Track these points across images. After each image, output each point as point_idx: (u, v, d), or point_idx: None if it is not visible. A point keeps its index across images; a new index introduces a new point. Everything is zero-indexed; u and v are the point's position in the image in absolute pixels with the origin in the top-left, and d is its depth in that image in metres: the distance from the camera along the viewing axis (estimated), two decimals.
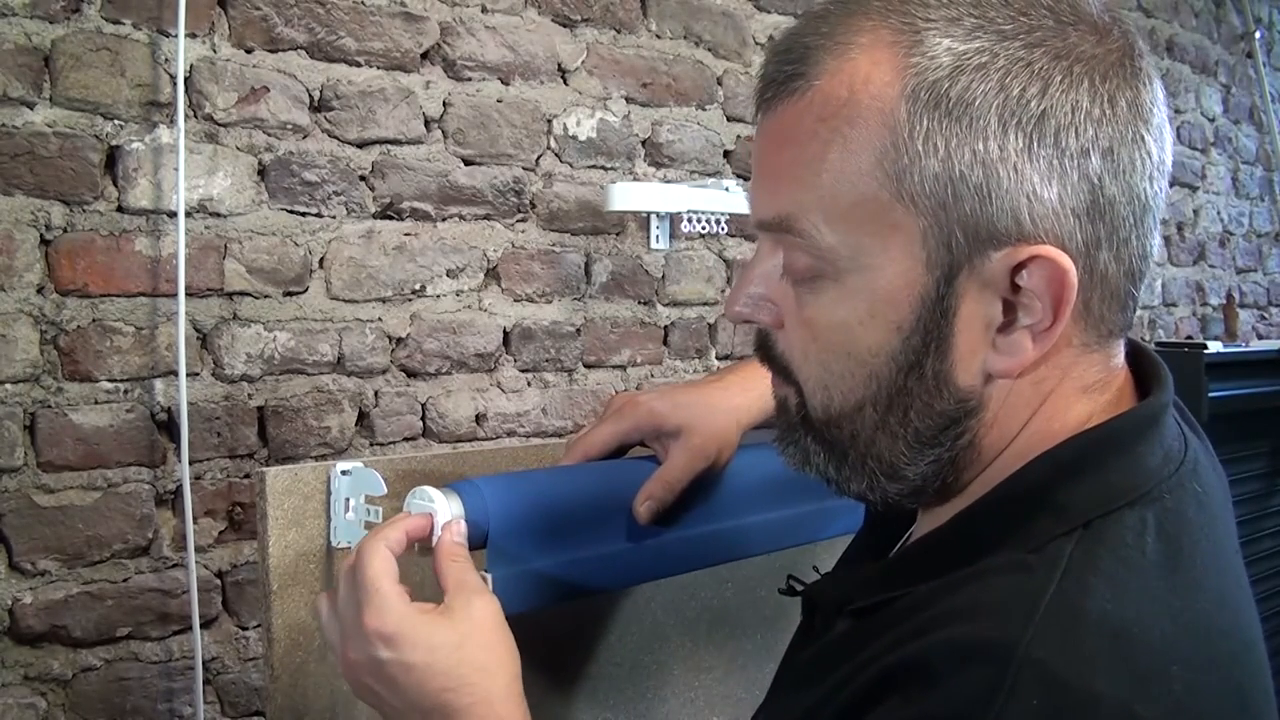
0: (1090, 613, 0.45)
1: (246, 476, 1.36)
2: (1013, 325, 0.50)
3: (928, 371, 0.51)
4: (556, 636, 0.85)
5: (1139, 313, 2.67)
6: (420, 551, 0.66)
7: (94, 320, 1.26)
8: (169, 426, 1.31)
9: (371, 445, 1.47)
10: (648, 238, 1.76)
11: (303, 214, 1.41)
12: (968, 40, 0.48)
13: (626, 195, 1.63)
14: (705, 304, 1.85)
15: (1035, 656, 0.43)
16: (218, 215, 1.34)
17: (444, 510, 0.66)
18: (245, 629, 1.37)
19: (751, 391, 0.79)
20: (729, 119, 1.88)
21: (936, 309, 0.50)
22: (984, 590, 0.48)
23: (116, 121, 1.27)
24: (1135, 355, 0.57)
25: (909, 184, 0.49)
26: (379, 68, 1.47)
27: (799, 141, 0.51)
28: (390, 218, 1.49)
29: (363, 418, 1.47)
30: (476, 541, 0.68)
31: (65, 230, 1.24)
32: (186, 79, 1.31)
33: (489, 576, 0.67)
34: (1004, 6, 0.49)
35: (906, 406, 0.52)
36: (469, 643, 0.60)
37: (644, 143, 1.76)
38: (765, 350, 0.58)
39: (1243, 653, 0.49)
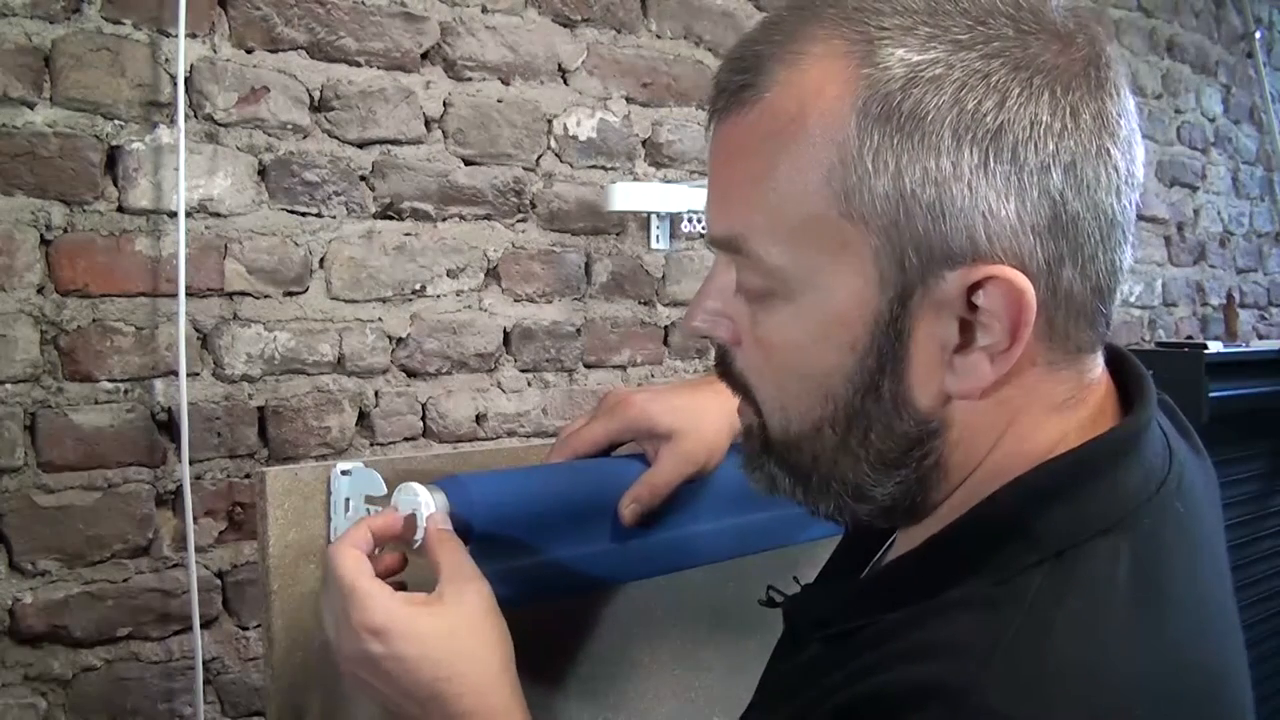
0: (1051, 654, 0.44)
1: (247, 476, 1.36)
2: (970, 346, 0.48)
3: (885, 393, 0.50)
4: (557, 636, 0.85)
5: (1139, 313, 2.67)
6: (403, 547, 0.66)
7: (94, 320, 1.26)
8: (169, 426, 1.31)
9: (372, 445, 1.47)
10: (648, 238, 1.76)
11: (303, 214, 1.41)
12: (922, 51, 0.46)
13: (627, 195, 1.63)
14: None
15: (990, 702, 0.42)
16: (218, 215, 1.34)
17: (427, 505, 0.66)
18: (245, 629, 1.37)
19: None
20: None
21: (890, 330, 0.49)
22: (946, 626, 0.47)
23: (117, 121, 1.27)
24: (1118, 363, 0.56)
25: (858, 202, 0.47)
26: (379, 68, 1.47)
27: (746, 157, 0.50)
28: (390, 218, 1.49)
29: (363, 418, 1.47)
30: (461, 539, 0.68)
31: (65, 230, 1.24)
32: (187, 79, 1.31)
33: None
34: (961, 15, 0.47)
35: (866, 428, 0.51)
36: (460, 631, 0.60)
37: (644, 143, 1.76)
38: (724, 367, 0.57)
39: (1217, 687, 0.48)
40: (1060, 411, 0.51)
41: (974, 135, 0.46)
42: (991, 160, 0.46)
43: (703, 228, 1.77)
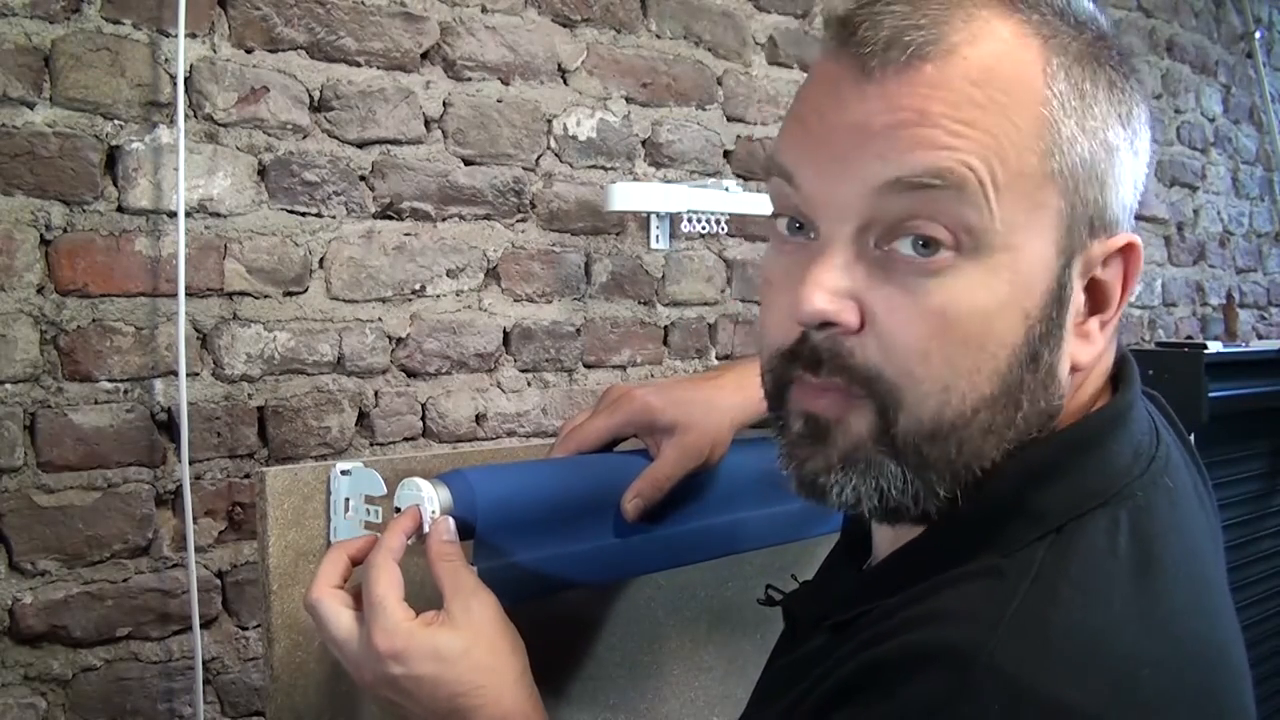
0: (1058, 623, 0.44)
1: (246, 476, 1.36)
2: (1092, 314, 0.51)
3: (1042, 366, 0.49)
4: (556, 636, 0.85)
5: (1139, 313, 2.67)
6: (414, 540, 0.67)
7: (94, 320, 1.26)
8: (169, 426, 1.31)
9: (371, 445, 1.47)
10: (648, 238, 1.76)
11: (303, 214, 1.41)
12: (1078, 33, 0.50)
13: (626, 195, 1.63)
14: (705, 304, 1.85)
15: (998, 664, 0.42)
16: (218, 215, 1.34)
17: (430, 499, 0.67)
18: (245, 629, 1.37)
19: (747, 390, 0.77)
20: (729, 119, 1.88)
21: (1058, 297, 0.49)
22: (953, 596, 0.47)
23: (116, 121, 1.27)
24: None
25: (1058, 164, 0.48)
26: (379, 68, 1.47)
27: (952, 102, 0.46)
28: (390, 218, 1.49)
29: (363, 418, 1.47)
30: (463, 533, 0.68)
31: (65, 230, 1.24)
32: (186, 79, 1.31)
33: (473, 569, 0.67)
34: (1069, 12, 0.51)
35: (1019, 405, 0.49)
36: (475, 648, 0.61)
37: (644, 143, 1.76)
38: (837, 360, 0.49)
39: (1216, 656, 0.48)
40: (1102, 381, 0.54)
41: (1120, 114, 0.50)
42: (1133, 138, 0.51)
43: (703, 228, 1.77)
